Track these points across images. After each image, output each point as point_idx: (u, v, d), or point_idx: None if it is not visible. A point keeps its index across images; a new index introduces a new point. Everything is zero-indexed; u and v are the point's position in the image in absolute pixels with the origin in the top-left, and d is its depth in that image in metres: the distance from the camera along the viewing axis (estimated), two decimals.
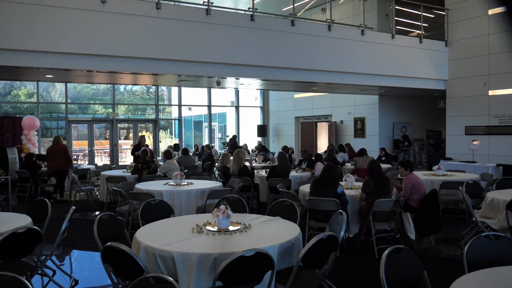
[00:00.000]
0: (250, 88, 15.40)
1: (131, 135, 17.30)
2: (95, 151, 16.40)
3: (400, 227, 5.64)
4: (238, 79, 10.42)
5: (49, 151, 9.52)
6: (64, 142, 10.24)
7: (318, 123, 16.97)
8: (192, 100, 19.00)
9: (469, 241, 3.02)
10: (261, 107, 19.29)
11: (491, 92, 11.14)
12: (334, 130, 15.72)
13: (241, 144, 16.67)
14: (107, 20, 7.78)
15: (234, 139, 16.06)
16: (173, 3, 8.76)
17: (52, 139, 10.21)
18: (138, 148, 10.41)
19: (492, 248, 3.01)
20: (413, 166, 6.38)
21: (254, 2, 9.25)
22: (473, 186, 6.62)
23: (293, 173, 8.34)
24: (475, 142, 11.03)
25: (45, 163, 10.94)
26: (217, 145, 18.54)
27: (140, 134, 11.24)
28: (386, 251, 2.65)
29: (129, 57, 8.12)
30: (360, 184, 5.96)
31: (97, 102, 18.18)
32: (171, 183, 6.66)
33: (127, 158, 17.07)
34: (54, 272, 4.53)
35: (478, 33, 11.28)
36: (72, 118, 16.06)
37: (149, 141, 17.70)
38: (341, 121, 15.62)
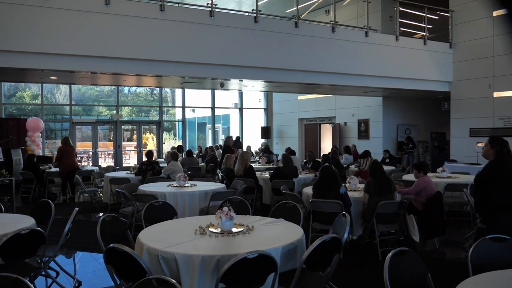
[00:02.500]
0: (254, 90, 15.39)
1: (135, 136, 17.35)
2: (99, 152, 16.45)
3: (404, 229, 5.61)
4: (242, 80, 10.42)
5: (63, 151, 9.76)
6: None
7: (321, 125, 16.96)
8: (196, 101, 19.03)
9: (474, 243, 3.00)
10: (264, 109, 19.29)
11: (496, 94, 11.08)
12: (338, 132, 15.69)
13: (244, 146, 16.67)
14: (111, 22, 7.80)
15: (238, 140, 16.06)
16: (177, 5, 8.77)
17: (60, 140, 10.51)
18: (229, 149, 10.09)
19: (496, 251, 3.00)
20: (427, 168, 6.34)
21: (258, 4, 9.25)
22: None
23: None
24: (479, 144, 10.96)
25: (49, 165, 11.03)
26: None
27: (228, 135, 10.96)
28: (390, 254, 2.63)
29: (133, 58, 8.14)
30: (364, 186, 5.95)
31: (101, 103, 18.25)
32: (175, 185, 6.66)
33: (130, 160, 17.12)
34: (58, 273, 4.53)
35: (482, 35, 11.23)
36: (76, 120, 16.12)
37: (152, 143, 17.75)
38: (345, 123, 15.59)
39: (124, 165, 15.60)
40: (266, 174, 8.53)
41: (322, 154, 12.72)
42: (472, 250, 2.92)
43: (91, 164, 15.46)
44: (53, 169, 10.52)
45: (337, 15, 10.31)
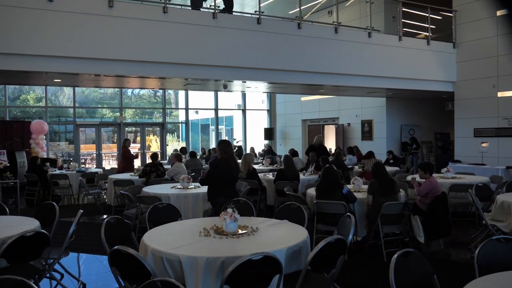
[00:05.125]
0: (257, 91, 15.39)
1: (138, 138, 17.38)
2: (103, 154, 16.47)
3: (408, 230, 5.59)
4: (245, 82, 10.41)
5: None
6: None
7: (325, 126, 16.93)
8: (199, 103, 19.04)
9: (479, 244, 2.98)
10: (268, 110, 19.28)
11: (500, 94, 11.03)
12: (342, 133, 15.66)
13: (248, 147, 16.66)
14: (115, 24, 7.82)
15: (240, 150, 16.01)
16: (180, 7, 8.78)
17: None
18: (324, 149, 10.01)
19: (503, 252, 2.97)
20: (433, 168, 6.33)
21: (261, 5, 9.25)
22: (483, 189, 6.55)
23: (300, 176, 8.31)
24: (484, 144, 10.92)
25: (46, 164, 11.18)
26: None
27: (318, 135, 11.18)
28: (396, 255, 2.62)
29: (136, 61, 8.15)
30: None
31: (105, 106, 18.29)
32: (178, 187, 6.67)
33: (134, 162, 17.10)
34: (62, 276, 4.54)
35: (486, 35, 11.18)
36: (80, 122, 16.17)
37: (156, 145, 17.77)
38: (348, 123, 15.56)
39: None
40: (270, 176, 8.52)
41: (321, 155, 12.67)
42: (479, 251, 2.90)
43: (95, 166, 15.48)
44: (57, 171, 10.55)
45: (340, 16, 10.29)
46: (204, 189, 6.50)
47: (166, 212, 4.60)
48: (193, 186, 6.70)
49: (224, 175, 5.18)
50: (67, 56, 7.54)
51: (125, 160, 10.36)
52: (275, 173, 8.23)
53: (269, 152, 14.63)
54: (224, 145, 5.31)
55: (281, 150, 17.51)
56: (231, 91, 14.73)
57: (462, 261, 5.42)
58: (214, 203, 5.19)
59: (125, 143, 10.44)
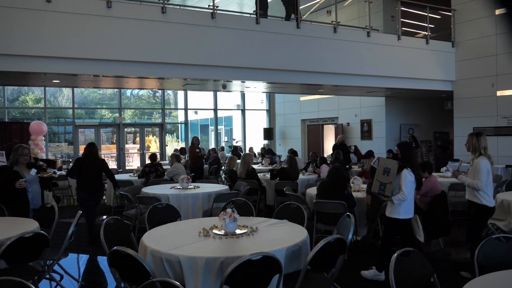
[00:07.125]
0: (256, 91, 15.37)
1: (137, 139, 17.37)
2: (102, 155, 16.43)
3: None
4: (244, 82, 10.41)
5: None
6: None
7: (324, 126, 16.92)
8: (198, 103, 19.04)
9: (479, 243, 2.98)
10: (267, 110, 19.27)
11: (499, 93, 11.03)
12: (341, 133, 15.62)
13: (247, 147, 16.63)
14: (113, 25, 7.81)
15: (236, 150, 16.01)
16: (178, 7, 8.77)
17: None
18: (344, 147, 10.32)
19: (503, 251, 2.98)
20: (432, 167, 6.34)
21: (259, 5, 9.23)
22: None
23: (300, 176, 8.30)
24: None
25: (42, 164, 11.15)
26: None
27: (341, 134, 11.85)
28: (396, 254, 2.61)
29: (135, 61, 8.14)
30: None
31: (104, 106, 18.28)
32: (178, 187, 6.66)
33: (133, 162, 17.12)
34: (62, 277, 4.53)
35: (485, 34, 11.18)
36: (79, 123, 16.14)
37: (155, 145, 17.76)
38: (348, 123, 15.55)
39: (127, 167, 15.60)
40: (269, 176, 8.51)
41: (321, 155, 12.68)
42: (479, 250, 2.90)
43: None
44: (57, 173, 10.52)
45: (339, 16, 10.29)
46: (204, 189, 6.53)
47: (166, 213, 4.60)
48: (193, 187, 6.70)
49: (82, 170, 6.33)
50: (65, 57, 7.53)
51: (191, 159, 10.80)
52: (275, 171, 8.21)
53: (268, 152, 14.63)
54: (86, 146, 6.62)
55: (281, 150, 17.51)
56: (230, 91, 14.70)
57: (462, 260, 5.42)
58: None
59: (193, 139, 10.83)
